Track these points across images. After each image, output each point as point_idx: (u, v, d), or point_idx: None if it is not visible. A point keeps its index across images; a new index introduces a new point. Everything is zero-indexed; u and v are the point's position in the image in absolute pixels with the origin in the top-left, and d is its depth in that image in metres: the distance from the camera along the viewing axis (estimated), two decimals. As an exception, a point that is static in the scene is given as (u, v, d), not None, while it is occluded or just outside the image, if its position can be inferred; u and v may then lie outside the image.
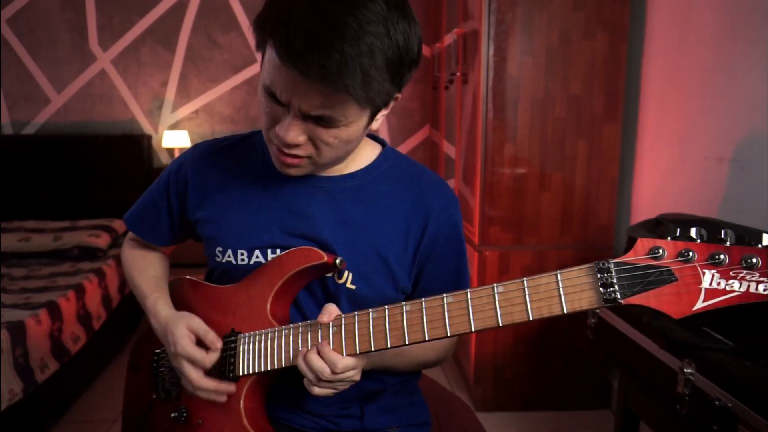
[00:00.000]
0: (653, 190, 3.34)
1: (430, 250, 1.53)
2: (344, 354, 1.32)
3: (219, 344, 1.45)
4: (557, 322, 3.57)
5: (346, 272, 1.48)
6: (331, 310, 1.35)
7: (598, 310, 2.64)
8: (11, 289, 3.98)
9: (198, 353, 1.43)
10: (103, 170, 5.59)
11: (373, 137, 1.62)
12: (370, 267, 1.48)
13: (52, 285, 4.05)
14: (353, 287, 1.48)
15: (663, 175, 3.22)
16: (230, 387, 1.44)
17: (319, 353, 1.31)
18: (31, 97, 5.84)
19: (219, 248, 1.55)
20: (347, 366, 1.30)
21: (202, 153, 1.63)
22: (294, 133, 1.28)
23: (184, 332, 1.45)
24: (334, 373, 1.29)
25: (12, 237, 4.88)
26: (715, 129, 2.78)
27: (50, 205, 5.54)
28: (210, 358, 1.43)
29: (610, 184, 3.52)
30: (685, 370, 1.98)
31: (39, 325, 3.38)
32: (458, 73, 3.97)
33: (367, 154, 1.56)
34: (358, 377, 1.35)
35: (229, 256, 1.53)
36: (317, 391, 1.33)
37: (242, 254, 1.52)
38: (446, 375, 4.21)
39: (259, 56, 1.34)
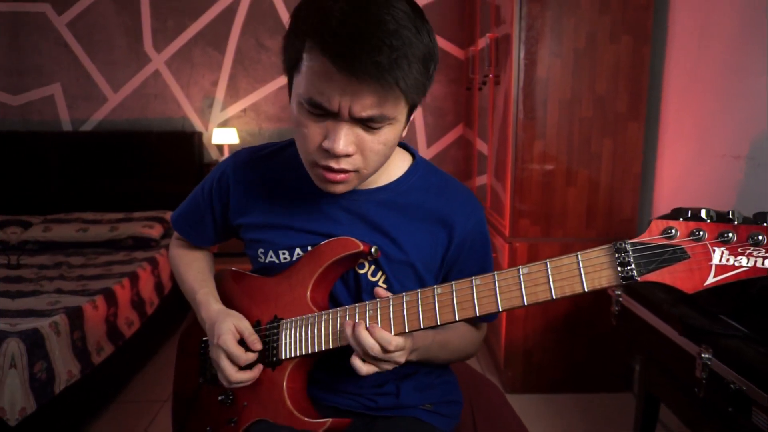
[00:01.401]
0: (674, 185, 3.35)
1: (456, 256, 1.55)
2: None
3: (259, 346, 1.48)
4: (582, 309, 3.62)
5: (379, 272, 1.51)
6: (380, 291, 1.39)
7: (620, 299, 2.66)
8: (70, 276, 4.06)
9: (237, 349, 1.45)
10: (156, 165, 5.65)
11: (404, 146, 1.63)
12: (400, 271, 1.51)
13: (107, 273, 4.12)
14: (384, 287, 1.47)
15: (683, 172, 3.24)
16: (260, 370, 1.48)
17: (369, 332, 1.31)
18: (89, 96, 5.85)
19: (261, 250, 1.58)
20: (398, 345, 1.30)
21: (242, 162, 1.64)
22: (344, 141, 1.26)
23: (231, 328, 1.48)
24: (385, 351, 1.30)
25: (71, 227, 4.93)
26: (732, 127, 2.80)
27: (107, 197, 5.61)
28: (246, 357, 1.46)
29: (633, 179, 3.55)
30: (703, 356, 2.01)
31: (96, 310, 3.45)
32: (491, 75, 4.00)
33: (397, 166, 1.57)
34: (403, 359, 1.35)
35: (271, 257, 1.56)
36: (365, 369, 1.33)
37: (284, 253, 1.55)
38: (478, 359, 4.24)
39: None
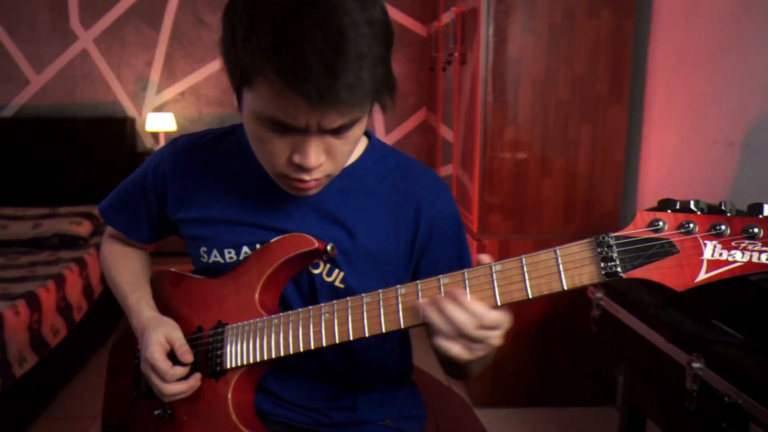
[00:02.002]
0: (660, 175, 3.35)
1: (425, 245, 1.53)
2: (337, 339, 1.33)
3: (190, 359, 1.46)
4: (560, 313, 3.61)
5: (336, 271, 1.49)
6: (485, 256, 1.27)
7: (602, 302, 2.63)
8: None
9: (163, 364, 1.43)
10: (85, 155, 5.62)
11: None
12: (361, 267, 1.49)
13: (30, 275, 4.03)
14: (342, 286, 1.48)
15: (671, 160, 3.23)
16: (197, 380, 1.46)
17: (459, 305, 1.18)
18: (9, 79, 5.87)
19: (203, 248, 1.55)
20: (496, 320, 1.18)
21: (181, 150, 1.62)
22: (316, 155, 1.25)
23: (160, 339, 1.46)
24: (482, 326, 1.17)
25: (-11, 224, 4.86)
26: (726, 111, 2.78)
27: (29, 191, 5.58)
28: (173, 373, 1.44)
29: (616, 169, 3.53)
30: (694, 365, 1.97)
31: (17, 316, 3.36)
32: (456, 54, 3.98)
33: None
34: (499, 342, 1.21)
35: (215, 256, 1.54)
36: (456, 350, 1.18)
37: (229, 252, 1.53)
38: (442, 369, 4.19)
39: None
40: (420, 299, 1.23)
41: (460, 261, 1.56)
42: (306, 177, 1.29)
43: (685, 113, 3.08)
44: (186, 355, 1.46)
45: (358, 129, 1.30)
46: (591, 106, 3.46)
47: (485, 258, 1.23)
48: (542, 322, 3.64)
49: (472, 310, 1.17)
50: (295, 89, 1.12)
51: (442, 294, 1.22)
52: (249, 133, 1.32)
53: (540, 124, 3.46)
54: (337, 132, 1.24)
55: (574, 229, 3.54)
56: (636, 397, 2.66)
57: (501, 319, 1.19)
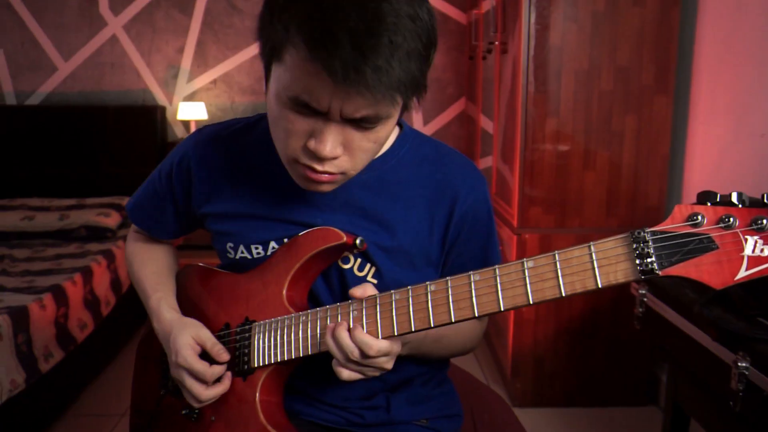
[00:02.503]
0: (706, 168, 3.35)
1: (457, 235, 1.54)
2: None
3: (226, 357, 1.47)
4: (601, 311, 3.63)
5: (368, 265, 1.50)
6: (366, 287, 1.35)
7: (645, 299, 2.67)
8: (13, 271, 4.04)
9: (200, 366, 1.44)
10: (113, 144, 5.63)
11: None
12: (394, 262, 1.49)
13: (57, 267, 4.09)
14: (374, 281, 1.49)
15: (717, 153, 3.23)
16: (229, 380, 1.48)
17: (350, 334, 1.30)
18: (36, 65, 5.88)
19: (230, 244, 1.56)
20: (381, 350, 1.28)
21: (206, 142, 1.62)
22: (332, 144, 1.24)
23: (189, 342, 1.47)
24: (366, 356, 1.28)
25: (14, 215, 4.93)
26: None
27: (56, 181, 5.60)
28: (213, 372, 1.45)
29: (660, 161, 3.55)
30: (739, 364, 1.98)
31: (43, 310, 3.40)
32: (497, 42, 3.99)
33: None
34: (390, 366, 1.33)
35: (242, 252, 1.55)
36: (345, 374, 1.31)
37: (257, 248, 1.54)
38: (481, 367, 4.27)
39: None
40: (450, 297, 1.25)
41: (486, 255, 1.58)
42: (318, 167, 1.28)
43: (732, 105, 3.08)
44: (221, 353, 1.47)
45: (383, 130, 1.29)
46: (635, 97, 3.47)
47: (357, 292, 1.34)
48: (583, 320, 3.66)
49: (358, 340, 1.28)
50: (321, 62, 1.12)
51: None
52: (270, 113, 1.33)
53: (583, 116, 3.48)
54: (360, 123, 1.24)
55: (617, 224, 3.55)
56: (680, 396, 2.67)
57: (385, 348, 1.29)
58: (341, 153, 1.27)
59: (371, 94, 1.15)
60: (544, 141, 3.51)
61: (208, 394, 1.45)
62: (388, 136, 1.33)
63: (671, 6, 3.41)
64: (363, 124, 1.24)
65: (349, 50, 1.11)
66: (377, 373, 1.34)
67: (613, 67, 3.45)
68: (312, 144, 1.25)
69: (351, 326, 1.31)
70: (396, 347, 1.33)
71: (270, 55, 1.26)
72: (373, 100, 1.18)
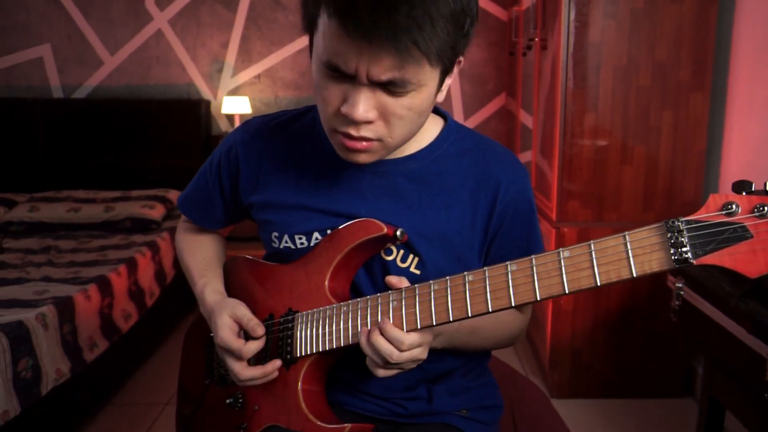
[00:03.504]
0: (743, 164, 3.37)
1: (498, 226, 1.55)
2: (405, 329, 1.34)
3: (261, 331, 1.50)
4: (638, 303, 3.67)
5: (411, 256, 1.51)
6: (401, 278, 1.38)
7: (682, 292, 2.69)
8: (59, 262, 4.12)
9: (236, 343, 1.48)
10: (159, 137, 5.71)
11: (436, 110, 1.62)
12: (437, 252, 1.51)
13: (102, 259, 4.17)
14: (417, 272, 1.51)
15: (754, 149, 3.26)
16: (276, 366, 1.50)
17: (381, 332, 1.33)
18: (83, 59, 5.95)
19: (275, 233, 1.59)
20: (412, 343, 1.32)
21: (254, 132, 1.65)
22: (364, 106, 1.27)
23: (226, 321, 1.51)
24: (400, 351, 1.31)
25: (61, 207, 5.02)
26: None
27: (102, 173, 5.70)
28: (249, 348, 1.48)
29: (697, 157, 3.59)
30: None
31: (88, 301, 3.46)
32: (537, 39, 4.05)
33: (428, 131, 1.57)
34: (424, 356, 1.37)
35: (286, 242, 1.57)
36: (382, 372, 1.36)
37: (300, 238, 1.56)
38: (520, 359, 4.31)
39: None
40: (487, 287, 1.27)
41: (529, 245, 1.58)
42: (353, 132, 1.31)
43: None
44: (256, 328, 1.49)
45: (417, 97, 1.30)
46: (673, 93, 3.51)
47: (394, 281, 1.39)
48: (620, 313, 3.70)
49: (392, 336, 1.32)
50: (343, 22, 1.17)
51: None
52: (314, 86, 1.36)
53: (621, 111, 3.53)
54: (388, 87, 1.26)
55: (654, 218, 3.55)
56: (715, 389, 2.68)
57: (417, 340, 1.33)
58: (375, 118, 1.31)
59: (394, 52, 1.19)
60: (583, 136, 3.56)
61: (247, 373, 1.48)
62: (425, 107, 1.36)
63: (709, 4, 3.44)
64: (391, 88, 1.26)
65: (366, 8, 1.15)
66: (414, 365, 1.38)
67: (651, 63, 3.49)
68: (344, 108, 1.29)
69: (381, 325, 1.34)
70: (427, 337, 1.37)
71: (310, 27, 1.32)
72: (398, 61, 1.21)
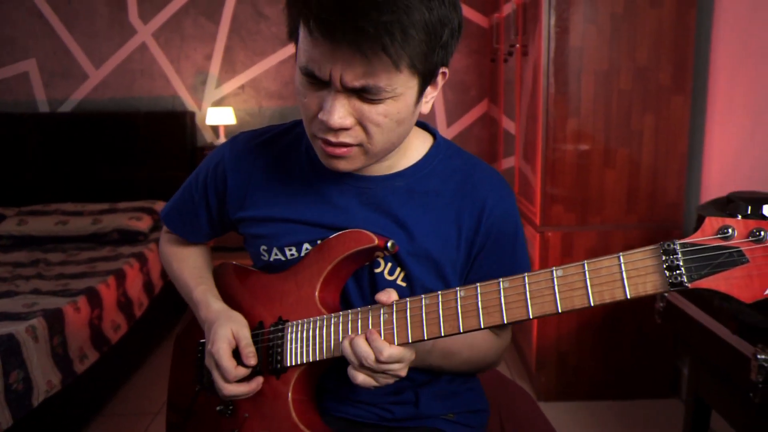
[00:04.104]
0: (724, 166, 3.36)
1: (482, 247, 1.55)
2: (395, 343, 1.32)
3: (253, 362, 1.48)
4: (623, 306, 3.64)
5: (398, 270, 1.51)
6: (390, 292, 1.36)
7: (666, 294, 2.67)
8: (48, 275, 4.09)
9: (227, 363, 1.46)
10: (144, 149, 5.68)
11: (424, 126, 1.64)
12: (423, 268, 1.51)
13: (91, 270, 4.15)
14: (404, 284, 1.51)
15: (735, 150, 3.24)
16: (259, 384, 1.49)
17: (366, 339, 1.32)
18: (68, 73, 5.93)
19: (264, 247, 1.58)
20: (392, 356, 1.30)
21: (241, 148, 1.65)
22: (339, 113, 1.28)
23: (227, 334, 1.49)
24: (378, 360, 1.30)
25: (49, 220, 4.99)
26: None
27: (89, 186, 5.66)
28: (236, 374, 1.46)
29: (679, 160, 3.57)
30: (759, 357, 1.99)
31: (78, 312, 3.46)
32: (518, 45, 4.02)
33: (417, 149, 1.57)
34: (403, 373, 1.35)
35: (276, 254, 1.57)
36: (360, 379, 1.34)
37: (290, 249, 1.55)
38: (507, 363, 4.29)
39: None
40: (479, 303, 1.26)
41: (513, 265, 1.56)
42: (332, 138, 1.33)
43: (749, 103, 3.09)
44: (250, 357, 1.48)
45: (394, 104, 1.31)
46: (654, 97, 3.50)
47: (383, 298, 1.35)
48: (606, 315, 3.69)
49: (374, 345, 1.31)
50: (315, 29, 1.20)
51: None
52: (296, 93, 1.38)
53: (602, 115, 3.51)
54: (362, 93, 1.27)
55: (637, 220, 3.58)
56: (701, 388, 2.68)
57: (397, 354, 1.31)
58: (352, 124, 1.31)
59: (363, 58, 1.20)
60: (565, 141, 3.55)
61: (232, 389, 1.47)
62: (403, 116, 1.35)
63: (688, 7, 3.43)
64: (365, 94, 1.27)
65: (336, 15, 1.16)
66: (391, 380, 1.36)
67: (632, 67, 3.48)
68: (321, 114, 1.30)
69: (368, 333, 1.33)
70: (410, 354, 1.36)
71: (292, 36, 1.34)
72: (369, 67, 1.23)
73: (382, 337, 1.33)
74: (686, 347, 2.79)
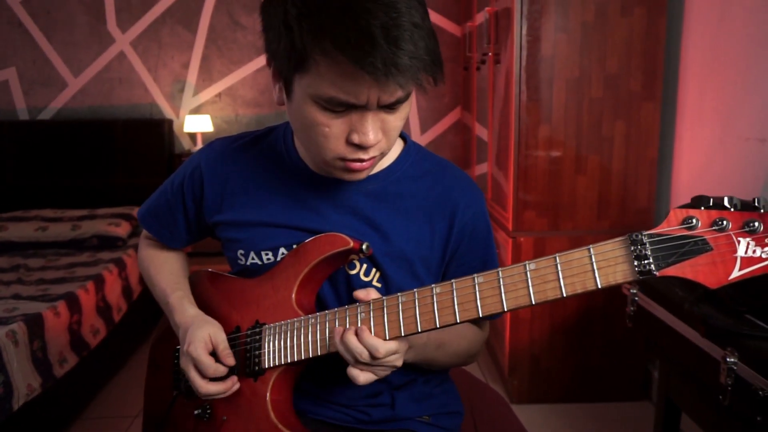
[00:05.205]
0: (694, 171, 3.35)
1: (456, 247, 1.56)
2: (387, 337, 1.32)
3: (231, 362, 1.48)
4: (595, 310, 3.63)
5: (373, 270, 1.52)
6: (369, 291, 1.37)
7: (636, 298, 2.67)
8: (28, 280, 4.06)
9: (206, 358, 1.45)
10: (123, 156, 5.65)
11: None
12: (398, 269, 1.51)
13: (70, 276, 4.12)
14: (379, 285, 1.51)
15: (704, 156, 3.23)
16: (235, 381, 1.48)
17: (358, 337, 1.31)
18: (48, 81, 5.90)
19: (241, 251, 1.57)
20: (389, 350, 1.30)
21: (217, 154, 1.64)
22: (374, 132, 1.28)
23: (204, 337, 1.47)
24: (375, 358, 1.29)
25: (29, 226, 4.94)
26: (758, 108, 2.78)
27: (68, 193, 5.63)
28: (216, 369, 1.46)
29: (649, 165, 3.55)
30: (728, 360, 1.99)
31: (57, 317, 3.43)
32: (490, 53, 4.00)
33: (389, 152, 1.55)
34: (400, 363, 1.35)
35: (253, 258, 1.56)
36: (361, 379, 1.32)
37: (267, 254, 1.55)
38: (480, 366, 4.27)
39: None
40: (455, 298, 1.26)
41: (486, 266, 1.57)
42: (364, 156, 1.31)
43: (718, 110, 3.08)
44: (228, 357, 1.47)
45: (408, 105, 1.32)
46: (624, 104, 3.48)
47: (361, 295, 1.36)
48: (577, 319, 3.66)
49: (367, 343, 1.29)
50: (360, 63, 1.14)
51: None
52: (301, 121, 1.32)
53: (574, 122, 3.49)
54: (392, 107, 1.27)
55: (609, 225, 3.57)
56: (671, 391, 2.68)
57: (392, 348, 1.30)
58: (381, 137, 1.31)
59: (406, 81, 1.19)
60: (537, 147, 3.52)
61: (209, 388, 1.46)
62: (407, 114, 1.36)
63: (657, 16, 3.42)
64: (395, 105, 1.27)
65: (384, 45, 1.13)
66: (389, 372, 1.35)
67: (603, 75, 3.46)
68: (356, 138, 1.28)
69: (358, 330, 1.32)
70: (403, 345, 1.35)
71: (294, 65, 1.24)
72: (408, 84, 1.21)
73: (372, 333, 1.32)
74: (657, 350, 2.80)
